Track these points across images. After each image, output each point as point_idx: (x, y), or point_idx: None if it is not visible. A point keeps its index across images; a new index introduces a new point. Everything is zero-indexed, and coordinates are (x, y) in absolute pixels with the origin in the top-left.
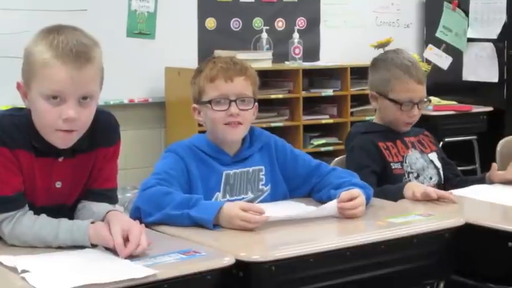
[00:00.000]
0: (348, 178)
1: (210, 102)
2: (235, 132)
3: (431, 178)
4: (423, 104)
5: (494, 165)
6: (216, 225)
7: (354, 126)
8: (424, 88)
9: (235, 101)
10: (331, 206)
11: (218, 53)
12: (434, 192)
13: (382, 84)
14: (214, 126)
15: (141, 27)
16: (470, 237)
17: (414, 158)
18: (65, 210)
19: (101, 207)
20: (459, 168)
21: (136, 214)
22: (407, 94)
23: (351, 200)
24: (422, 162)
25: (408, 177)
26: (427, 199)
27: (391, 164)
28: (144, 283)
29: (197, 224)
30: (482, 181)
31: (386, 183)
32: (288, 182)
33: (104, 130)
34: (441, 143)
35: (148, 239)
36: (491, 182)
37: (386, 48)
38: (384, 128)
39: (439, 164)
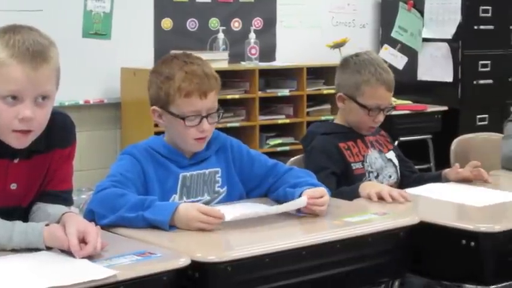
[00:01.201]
0: (305, 178)
1: (183, 118)
2: (201, 146)
3: (390, 176)
4: (389, 110)
5: (457, 165)
6: (171, 226)
7: (313, 125)
8: (392, 95)
9: (206, 116)
10: (301, 201)
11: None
12: (388, 195)
13: (352, 87)
14: (182, 139)
15: (97, 27)
16: (424, 235)
17: (373, 158)
18: (20, 212)
19: (56, 209)
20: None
21: (90, 217)
22: (376, 101)
23: (321, 197)
24: (380, 162)
25: (369, 176)
26: (381, 199)
27: (352, 164)
28: (103, 284)
29: (152, 225)
30: (438, 178)
31: (347, 184)
32: (245, 183)
33: (60, 131)
34: (396, 142)
35: (104, 240)
36: (447, 180)
37: (342, 49)
38: (345, 130)
39: (397, 162)
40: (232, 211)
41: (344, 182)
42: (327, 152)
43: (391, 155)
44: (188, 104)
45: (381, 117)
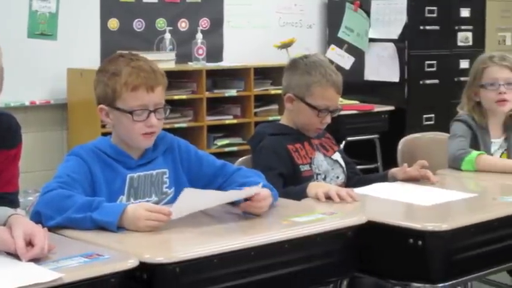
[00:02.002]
0: (254, 178)
1: (130, 112)
2: (150, 142)
3: (338, 177)
4: (336, 113)
5: (405, 165)
6: (119, 228)
7: (261, 126)
8: (340, 97)
9: (154, 111)
10: (246, 193)
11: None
12: (336, 195)
13: (302, 88)
14: (130, 135)
15: (43, 27)
16: (372, 234)
17: (320, 160)
18: None
19: (2, 211)
20: (362, 166)
21: (37, 218)
22: (325, 101)
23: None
24: (326, 165)
25: (317, 178)
26: (329, 199)
27: (300, 166)
28: (49, 287)
29: (100, 227)
30: (383, 179)
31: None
32: (194, 184)
33: (5, 132)
34: (344, 142)
35: (51, 243)
36: (394, 179)
37: (289, 49)
38: (292, 131)
39: (343, 163)
40: (180, 206)
41: (292, 184)
42: (276, 153)
43: (336, 156)
44: (135, 98)
45: (328, 119)
